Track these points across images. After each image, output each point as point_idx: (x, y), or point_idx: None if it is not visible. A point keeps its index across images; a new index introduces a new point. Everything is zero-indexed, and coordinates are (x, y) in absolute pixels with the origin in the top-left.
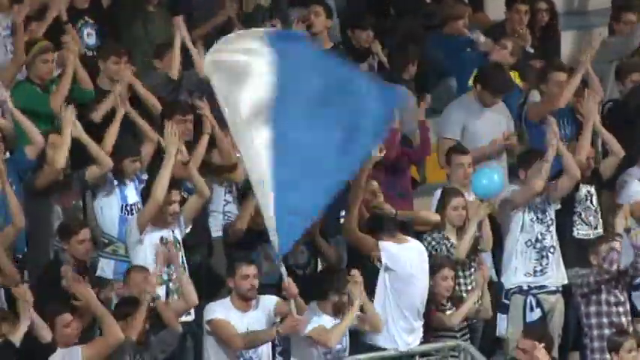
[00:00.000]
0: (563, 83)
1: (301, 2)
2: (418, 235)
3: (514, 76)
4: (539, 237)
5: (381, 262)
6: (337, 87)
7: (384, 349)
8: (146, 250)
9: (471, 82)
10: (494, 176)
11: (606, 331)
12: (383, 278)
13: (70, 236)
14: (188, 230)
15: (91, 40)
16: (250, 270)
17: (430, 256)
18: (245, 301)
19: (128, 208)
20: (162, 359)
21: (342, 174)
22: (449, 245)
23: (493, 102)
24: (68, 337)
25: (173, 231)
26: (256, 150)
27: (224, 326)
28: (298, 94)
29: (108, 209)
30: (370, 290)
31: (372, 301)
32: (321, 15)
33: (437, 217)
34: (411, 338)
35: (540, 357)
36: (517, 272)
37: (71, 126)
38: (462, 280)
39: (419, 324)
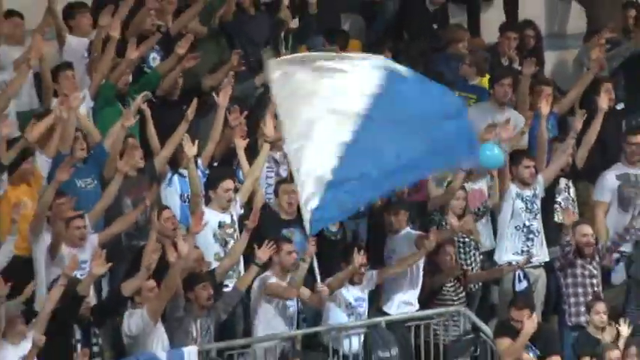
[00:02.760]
0: (547, 94)
1: (325, 29)
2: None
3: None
4: (527, 223)
5: None
6: (428, 120)
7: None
8: (206, 231)
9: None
10: (494, 149)
11: (581, 299)
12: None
13: (159, 215)
14: (242, 211)
15: (155, 62)
16: (292, 247)
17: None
18: (285, 273)
19: (185, 197)
20: (224, 319)
21: (397, 182)
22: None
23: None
24: (148, 299)
25: (231, 214)
26: (321, 145)
27: (279, 285)
28: (391, 118)
29: (170, 197)
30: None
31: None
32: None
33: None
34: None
35: (531, 322)
36: (507, 251)
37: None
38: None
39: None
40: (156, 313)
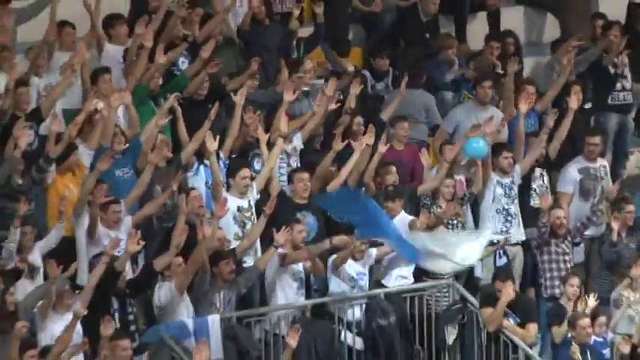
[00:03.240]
0: (530, 93)
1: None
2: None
3: None
4: (506, 207)
5: None
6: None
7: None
8: (226, 214)
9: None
10: (480, 142)
11: (555, 273)
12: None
13: (187, 195)
14: (258, 197)
15: (184, 66)
16: (302, 227)
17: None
18: (296, 249)
19: (209, 184)
20: (244, 293)
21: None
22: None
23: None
24: (176, 274)
25: (249, 199)
26: None
27: (293, 252)
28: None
29: (197, 184)
30: None
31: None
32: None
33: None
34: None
35: (509, 290)
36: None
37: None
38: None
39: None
40: (182, 286)
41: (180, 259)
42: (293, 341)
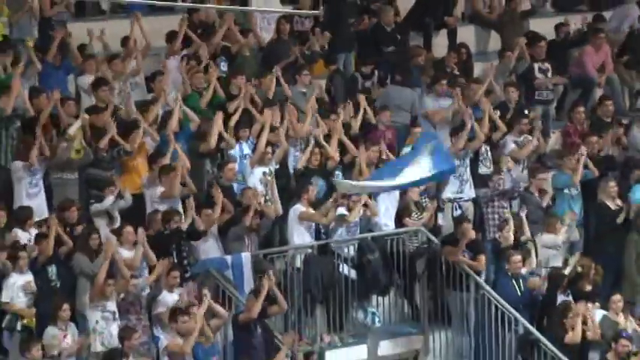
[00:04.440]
0: (478, 89)
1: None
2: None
3: None
4: (461, 173)
5: None
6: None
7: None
8: (255, 177)
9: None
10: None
11: (497, 222)
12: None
13: (224, 166)
14: (277, 166)
15: (224, 68)
16: (315, 189)
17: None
18: (310, 204)
19: (244, 156)
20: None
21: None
22: None
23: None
24: (206, 222)
25: (270, 167)
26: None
27: (308, 212)
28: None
29: (233, 156)
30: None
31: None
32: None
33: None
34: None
35: (468, 232)
36: (447, 191)
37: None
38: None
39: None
40: (210, 224)
41: (209, 211)
42: (267, 282)
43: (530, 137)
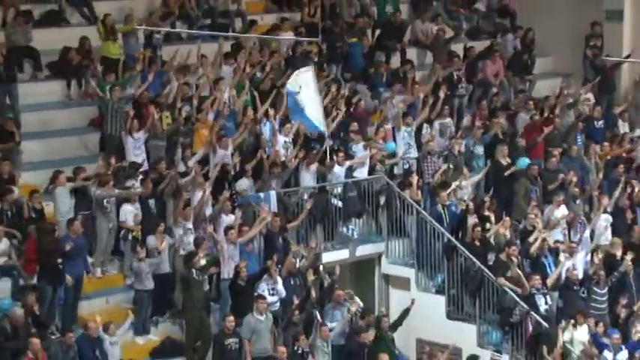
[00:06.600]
0: (420, 89)
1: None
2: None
3: None
4: (408, 140)
5: None
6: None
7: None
8: (280, 142)
9: None
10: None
11: (431, 171)
12: None
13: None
14: (292, 137)
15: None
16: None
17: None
18: (314, 161)
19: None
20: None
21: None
22: None
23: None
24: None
25: (289, 137)
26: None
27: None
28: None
29: (265, 130)
30: None
31: None
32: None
33: None
34: None
35: (413, 178)
36: (399, 152)
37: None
38: None
39: None
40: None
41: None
42: (264, 213)
43: (450, 120)
